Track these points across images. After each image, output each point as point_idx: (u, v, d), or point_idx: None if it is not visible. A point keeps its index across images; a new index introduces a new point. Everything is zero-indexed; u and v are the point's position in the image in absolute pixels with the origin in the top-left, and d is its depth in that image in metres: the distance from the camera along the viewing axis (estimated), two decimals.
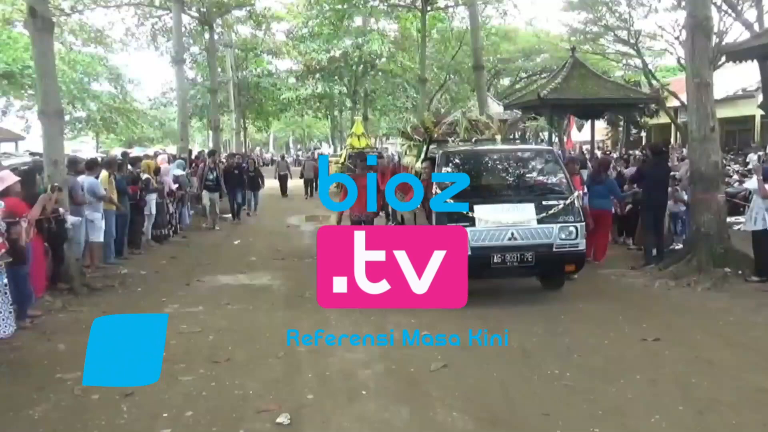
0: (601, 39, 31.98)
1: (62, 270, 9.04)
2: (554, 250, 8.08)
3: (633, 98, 21.82)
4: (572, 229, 8.11)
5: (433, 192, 8.23)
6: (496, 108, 20.10)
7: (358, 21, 36.43)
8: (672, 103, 27.10)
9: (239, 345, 6.80)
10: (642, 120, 30.06)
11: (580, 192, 9.39)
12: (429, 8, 26.76)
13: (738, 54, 12.35)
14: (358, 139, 27.45)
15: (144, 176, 12.79)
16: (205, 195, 16.75)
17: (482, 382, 5.66)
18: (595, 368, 5.95)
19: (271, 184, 26.27)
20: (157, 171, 14.02)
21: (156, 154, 20.54)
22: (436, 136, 10.56)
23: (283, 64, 44.66)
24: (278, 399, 5.35)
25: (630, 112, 26.65)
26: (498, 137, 10.14)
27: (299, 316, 7.98)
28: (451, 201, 7.62)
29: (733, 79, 24.84)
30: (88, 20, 30.04)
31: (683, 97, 17.32)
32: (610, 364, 6.08)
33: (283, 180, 27.15)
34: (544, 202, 8.22)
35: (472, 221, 7.94)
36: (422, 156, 10.52)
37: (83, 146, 44.22)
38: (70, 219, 8.98)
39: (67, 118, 35.80)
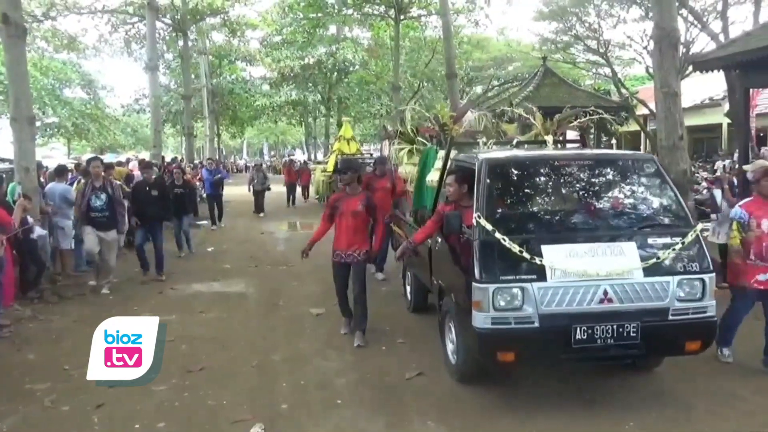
0: (571, 48, 32.31)
1: (32, 278, 8.93)
2: (670, 318, 5.08)
3: (603, 106, 22.13)
4: (697, 283, 5.17)
5: (474, 221, 5.24)
6: (469, 115, 20.19)
7: (332, 29, 36.63)
8: (641, 111, 27.47)
9: (213, 354, 6.75)
10: (612, 128, 30.44)
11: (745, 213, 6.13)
12: (402, 17, 27.06)
13: (704, 64, 12.53)
14: (348, 143, 23.61)
15: (116, 183, 12.64)
16: (90, 234, 9.42)
17: (457, 390, 5.67)
18: (569, 374, 5.94)
19: (240, 191, 24.26)
20: (129, 178, 13.92)
21: (128, 161, 20.40)
22: (457, 136, 7.63)
23: (258, 71, 44.81)
24: (253, 409, 5.31)
25: (600, 120, 26.95)
26: (548, 138, 7.36)
27: (274, 324, 7.96)
28: (503, 237, 5.03)
29: (700, 87, 25.26)
30: (60, 26, 29.91)
31: (652, 106, 17.60)
32: (581, 369, 6.05)
33: (258, 194, 21.39)
34: (650, 241, 5.27)
35: (539, 272, 4.98)
36: (440, 165, 7.32)
37: (54, 152, 43.79)
38: (38, 231, 8.88)
39: (37, 124, 35.45)
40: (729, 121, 20.58)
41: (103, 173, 9.75)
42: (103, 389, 5.59)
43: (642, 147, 30.18)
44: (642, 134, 30.28)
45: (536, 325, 4.92)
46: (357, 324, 7.03)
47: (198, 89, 39.24)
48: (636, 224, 5.55)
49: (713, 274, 5.27)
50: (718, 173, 16.21)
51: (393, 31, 28.20)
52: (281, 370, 6.28)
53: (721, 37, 19.90)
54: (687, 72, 20.77)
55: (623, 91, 28.74)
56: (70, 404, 5.39)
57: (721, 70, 13.23)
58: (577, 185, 5.96)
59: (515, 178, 5.92)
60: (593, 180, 5.99)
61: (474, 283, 5.02)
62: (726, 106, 21.09)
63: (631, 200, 5.86)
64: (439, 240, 6.21)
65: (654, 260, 5.07)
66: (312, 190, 26.57)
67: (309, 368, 6.31)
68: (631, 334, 5.00)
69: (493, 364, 5.27)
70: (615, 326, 4.98)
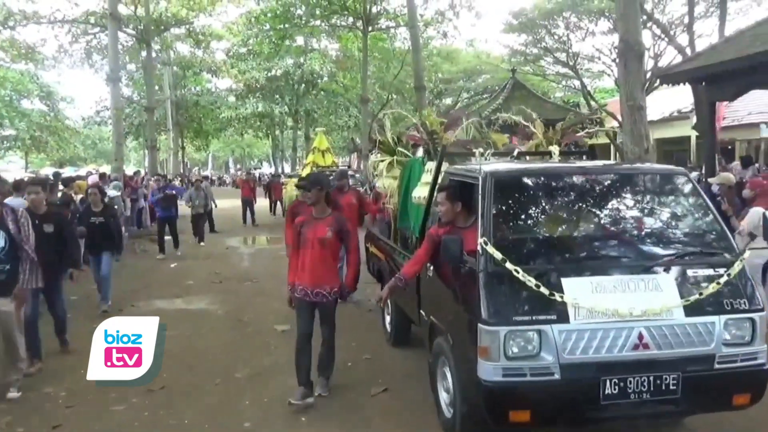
0: (540, 60, 32.61)
1: None
2: (716, 366, 4.17)
3: (572, 119, 22.32)
4: (746, 323, 4.25)
5: (479, 248, 4.26)
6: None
7: (299, 40, 36.52)
8: (611, 123, 27.76)
9: (175, 372, 6.51)
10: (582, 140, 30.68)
11: None
12: (370, 29, 27.06)
13: (671, 77, 12.71)
14: (323, 155, 21.05)
15: (21, 212, 12.16)
16: None
17: (423, 407, 5.50)
18: None
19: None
20: None
21: (88, 174, 19.99)
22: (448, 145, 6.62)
23: (223, 82, 44.55)
24: (215, 428, 5.19)
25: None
26: (554, 149, 6.36)
27: (238, 340, 7.80)
28: (516, 268, 4.10)
29: (669, 100, 25.58)
30: (19, 36, 29.49)
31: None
32: None
33: (197, 218, 17.69)
34: (689, 272, 4.38)
35: (560, 311, 4.07)
36: (428, 179, 6.23)
37: (11, 166, 43.08)
38: None
39: None
40: (697, 133, 20.85)
41: None
42: (60, 410, 5.53)
43: (611, 159, 30.48)
44: (611, 147, 30.61)
45: (557, 377, 4.01)
46: (322, 369, 5.88)
47: (162, 101, 38.83)
48: (672, 252, 4.58)
49: (764, 313, 4.32)
50: None
51: (361, 42, 28.19)
52: (245, 388, 6.14)
53: (688, 51, 20.24)
54: (655, 85, 21.03)
55: (593, 103, 29.02)
56: (25, 426, 5.23)
57: (687, 83, 13.40)
58: (601, 205, 5.03)
59: (528, 195, 4.96)
60: (619, 199, 5.10)
61: (480, 325, 4.07)
62: (694, 119, 21.39)
63: (664, 223, 4.97)
64: (431, 267, 5.25)
65: (696, 296, 4.16)
66: (284, 205, 24.51)
67: (273, 385, 6.16)
68: (671, 386, 4.09)
69: (503, 425, 4.19)
70: (652, 378, 4.06)
